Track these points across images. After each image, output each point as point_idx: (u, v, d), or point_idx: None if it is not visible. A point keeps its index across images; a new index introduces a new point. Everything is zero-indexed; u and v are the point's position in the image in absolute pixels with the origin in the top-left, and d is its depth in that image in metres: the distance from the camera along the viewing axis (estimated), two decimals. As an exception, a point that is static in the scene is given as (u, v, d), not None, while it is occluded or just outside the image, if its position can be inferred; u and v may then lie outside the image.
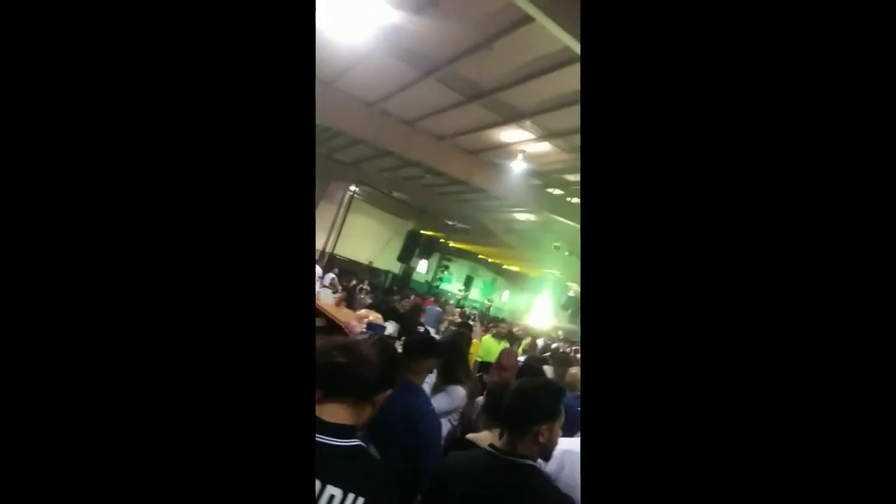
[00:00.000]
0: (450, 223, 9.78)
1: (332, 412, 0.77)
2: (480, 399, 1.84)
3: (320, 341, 0.74)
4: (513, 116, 5.25)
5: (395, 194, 9.67)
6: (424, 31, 3.94)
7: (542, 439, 1.00)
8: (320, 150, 8.47)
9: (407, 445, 1.30)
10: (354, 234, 10.41)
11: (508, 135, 5.86)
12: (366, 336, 2.08)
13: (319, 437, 0.73)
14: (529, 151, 5.99)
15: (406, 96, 5.44)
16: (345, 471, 0.72)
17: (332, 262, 8.61)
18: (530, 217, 9.14)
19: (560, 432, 1.07)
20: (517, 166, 6.07)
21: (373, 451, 0.98)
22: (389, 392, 0.89)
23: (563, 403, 1.06)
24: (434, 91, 5.07)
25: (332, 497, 0.69)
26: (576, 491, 1.14)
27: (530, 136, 5.64)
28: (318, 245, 9.84)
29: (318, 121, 6.26)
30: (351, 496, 0.69)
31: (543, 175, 6.84)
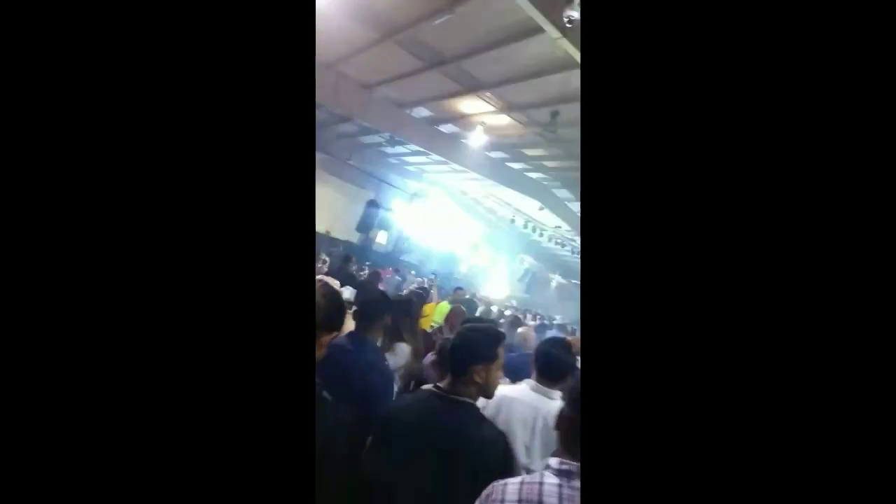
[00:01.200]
0: (410, 194, 9.73)
1: None
2: (431, 356, 1.94)
3: None
4: (473, 87, 5.23)
5: (353, 162, 9.45)
6: (384, -9, 3.82)
7: (478, 379, 1.11)
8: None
9: (359, 396, 1.37)
10: (311, 202, 10.13)
11: (468, 105, 5.85)
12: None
13: None
14: (489, 123, 6.02)
15: (365, 59, 5.27)
16: None
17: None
18: (489, 190, 9.26)
19: (499, 375, 1.19)
20: (477, 138, 6.10)
21: (326, 395, 1.04)
22: (335, 335, 0.95)
23: (500, 349, 1.17)
24: (394, 55, 4.95)
25: None
26: (508, 432, 1.27)
27: (490, 108, 5.67)
28: (273, 212, 9.50)
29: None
30: None
31: (502, 148, 6.92)
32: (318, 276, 3.09)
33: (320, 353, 0.92)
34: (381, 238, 10.39)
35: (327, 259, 5.94)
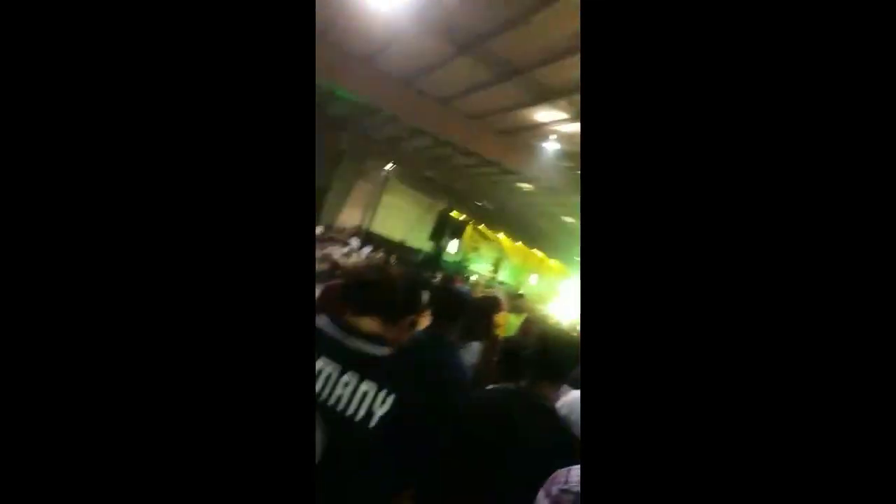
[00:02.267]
0: (479, 204, 9.81)
1: (366, 324, 0.90)
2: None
3: (360, 262, 0.86)
4: (546, 95, 5.20)
5: (428, 174, 9.78)
6: (460, 5, 3.96)
7: (567, 386, 1.12)
8: (357, 128, 8.66)
9: (434, 391, 1.43)
10: (388, 212, 10.66)
11: (542, 114, 5.80)
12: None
13: (355, 342, 0.86)
14: (562, 132, 5.91)
15: (441, 74, 5.48)
16: (377, 371, 0.84)
17: (369, 238, 8.88)
18: (560, 200, 9.04)
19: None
20: (550, 147, 6.02)
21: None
22: (413, 318, 1.01)
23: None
24: (468, 68, 5.09)
25: (365, 393, 0.81)
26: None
27: (563, 115, 5.57)
28: (356, 222, 10.17)
29: (355, 97, 6.39)
30: (383, 392, 0.82)
31: (576, 157, 6.74)
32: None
33: (399, 336, 0.99)
34: (451, 248, 10.57)
35: (394, 263, 6.19)
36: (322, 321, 0.89)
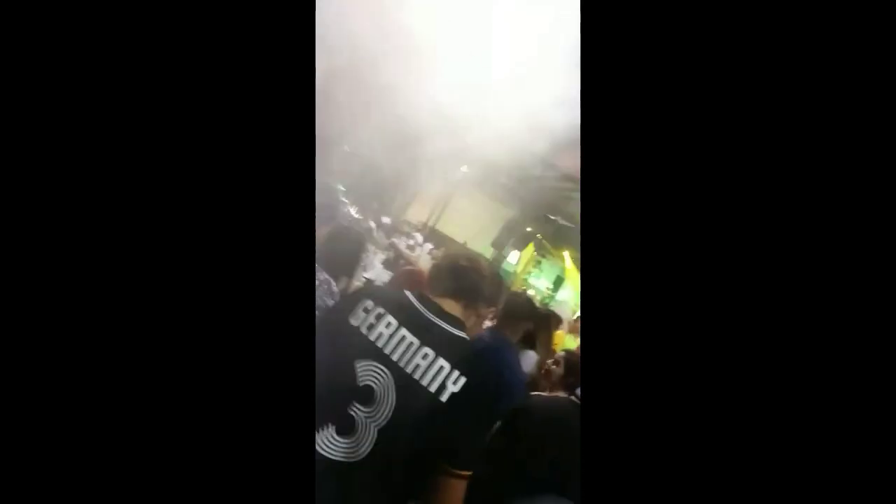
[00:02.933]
0: (551, 217, 9.63)
1: (449, 305, 0.96)
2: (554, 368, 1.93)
3: (452, 250, 0.91)
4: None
5: (503, 180, 9.77)
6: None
7: None
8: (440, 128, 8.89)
9: (492, 389, 1.45)
10: (456, 213, 10.85)
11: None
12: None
13: (437, 320, 0.91)
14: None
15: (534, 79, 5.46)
16: (454, 352, 0.88)
17: (432, 235, 9.10)
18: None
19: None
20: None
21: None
22: (492, 310, 1.04)
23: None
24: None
25: (441, 368, 0.86)
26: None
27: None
28: (423, 218, 10.47)
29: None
30: (456, 372, 0.86)
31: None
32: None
33: (476, 324, 1.03)
34: (511, 257, 10.47)
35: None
36: (410, 296, 0.95)
